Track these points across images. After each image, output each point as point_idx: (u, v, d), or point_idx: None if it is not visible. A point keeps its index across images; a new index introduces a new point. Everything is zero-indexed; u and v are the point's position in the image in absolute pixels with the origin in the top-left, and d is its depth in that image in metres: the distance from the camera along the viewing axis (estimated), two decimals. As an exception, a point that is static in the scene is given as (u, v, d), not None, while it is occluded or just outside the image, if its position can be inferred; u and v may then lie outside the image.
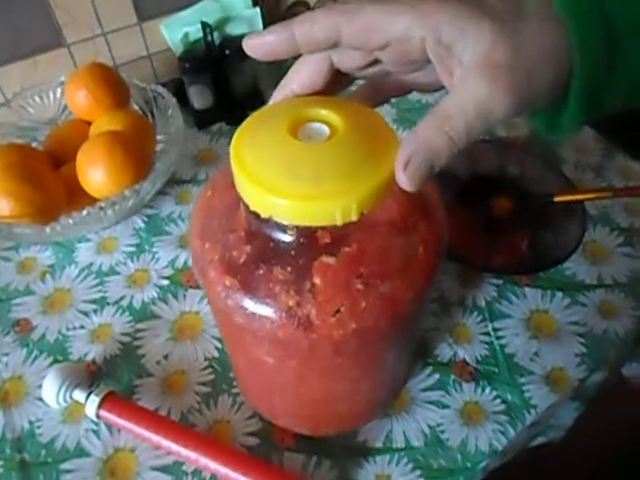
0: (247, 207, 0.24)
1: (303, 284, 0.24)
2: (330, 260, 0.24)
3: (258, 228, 0.25)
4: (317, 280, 0.24)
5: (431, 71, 0.25)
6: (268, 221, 0.24)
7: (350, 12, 0.24)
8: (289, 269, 0.25)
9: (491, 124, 0.23)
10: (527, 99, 0.22)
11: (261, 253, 0.25)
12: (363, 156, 0.24)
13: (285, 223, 0.24)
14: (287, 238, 0.25)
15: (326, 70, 0.27)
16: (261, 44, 0.26)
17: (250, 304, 0.25)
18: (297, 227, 0.24)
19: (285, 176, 0.23)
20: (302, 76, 0.27)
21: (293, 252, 0.25)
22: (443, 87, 0.27)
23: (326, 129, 0.25)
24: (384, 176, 0.23)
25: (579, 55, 0.22)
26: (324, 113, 0.25)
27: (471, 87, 0.22)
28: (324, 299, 0.24)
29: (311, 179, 0.23)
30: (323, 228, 0.24)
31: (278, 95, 0.28)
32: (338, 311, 0.24)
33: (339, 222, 0.23)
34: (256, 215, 0.24)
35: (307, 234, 0.24)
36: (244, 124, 0.26)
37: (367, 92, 0.31)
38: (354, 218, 0.23)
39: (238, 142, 0.25)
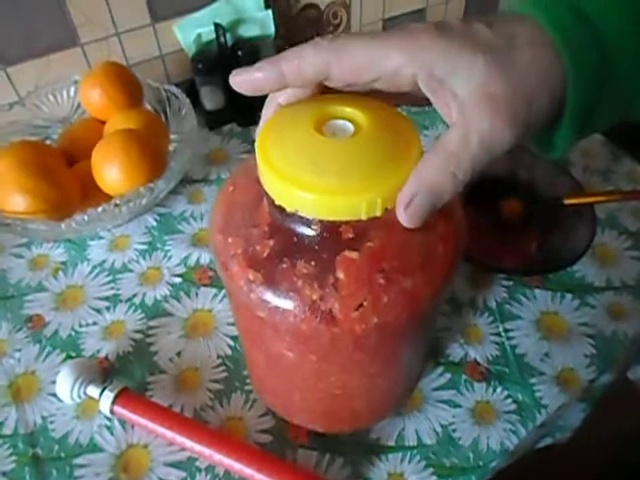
0: (272, 201, 0.25)
1: (326, 278, 0.25)
2: (353, 255, 0.25)
3: (282, 222, 0.25)
4: (340, 274, 0.25)
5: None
6: (293, 215, 0.24)
7: (339, 50, 0.23)
8: (312, 263, 0.25)
9: (495, 156, 0.23)
10: (528, 127, 0.23)
11: (284, 247, 0.25)
12: (386, 153, 0.24)
13: (310, 217, 0.24)
14: (311, 232, 0.25)
15: (312, 88, 0.27)
16: (248, 81, 0.25)
17: (273, 298, 0.25)
18: (321, 222, 0.24)
19: (310, 171, 0.23)
20: (288, 92, 0.27)
21: (317, 246, 0.25)
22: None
23: (350, 126, 0.25)
24: (407, 173, 0.24)
25: (572, 79, 0.22)
26: (349, 111, 0.26)
27: (473, 122, 0.22)
28: (347, 293, 0.25)
29: (336, 174, 0.23)
30: (347, 223, 0.24)
31: (266, 112, 0.28)
32: (361, 305, 0.25)
33: (364, 217, 0.23)
34: (281, 209, 0.24)
35: (331, 229, 0.25)
36: (270, 120, 0.27)
37: None
38: (379, 213, 0.24)
39: (263, 137, 0.25)
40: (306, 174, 0.23)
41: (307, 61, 0.24)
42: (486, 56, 0.22)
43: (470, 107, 0.22)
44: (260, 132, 0.26)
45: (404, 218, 0.24)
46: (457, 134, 0.23)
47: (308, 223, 0.25)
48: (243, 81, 0.25)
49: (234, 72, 0.26)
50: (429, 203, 0.23)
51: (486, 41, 0.22)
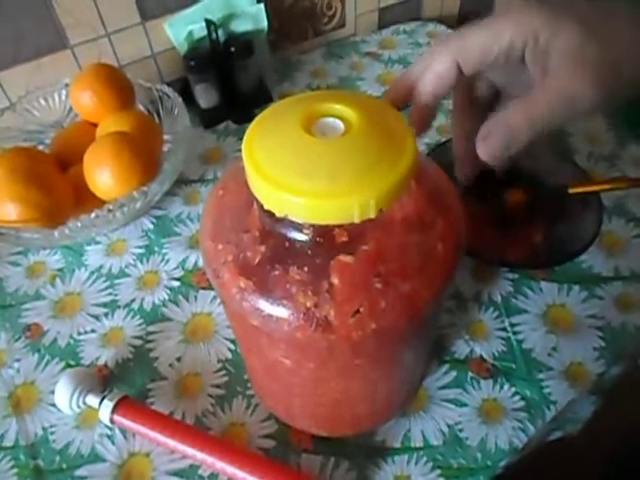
0: (261, 206, 0.24)
1: (320, 284, 0.24)
2: (348, 259, 0.24)
3: (273, 227, 0.25)
4: (335, 280, 0.24)
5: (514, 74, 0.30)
6: (283, 220, 0.23)
7: (459, 43, 0.27)
8: (306, 269, 0.24)
9: (575, 112, 0.25)
10: (614, 89, 0.25)
11: (276, 253, 0.25)
12: (379, 151, 0.23)
13: (301, 222, 0.23)
14: (303, 237, 0.24)
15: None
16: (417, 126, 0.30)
17: (266, 306, 0.24)
18: (313, 226, 0.23)
19: (300, 173, 0.22)
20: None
21: (309, 251, 0.24)
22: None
23: (341, 124, 0.24)
24: (401, 172, 0.23)
25: None
26: (338, 108, 0.25)
27: (559, 78, 0.25)
28: (342, 299, 0.24)
29: (327, 176, 0.22)
30: (340, 226, 0.23)
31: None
32: (357, 311, 0.24)
33: (357, 220, 0.22)
34: (271, 214, 0.23)
35: (323, 233, 0.24)
36: (256, 121, 0.25)
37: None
38: (372, 215, 0.23)
39: (250, 139, 0.25)
40: (295, 177, 0.22)
41: (441, 70, 0.28)
42: (581, 25, 0.25)
43: (560, 66, 0.25)
44: (246, 134, 0.25)
45: (481, 149, 0.27)
46: (542, 88, 0.26)
47: (299, 228, 0.24)
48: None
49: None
50: (503, 139, 0.26)
51: (582, 13, 0.26)
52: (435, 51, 0.28)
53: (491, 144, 0.26)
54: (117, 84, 0.53)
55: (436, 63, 0.28)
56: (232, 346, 0.44)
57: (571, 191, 0.46)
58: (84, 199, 0.48)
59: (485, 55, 0.27)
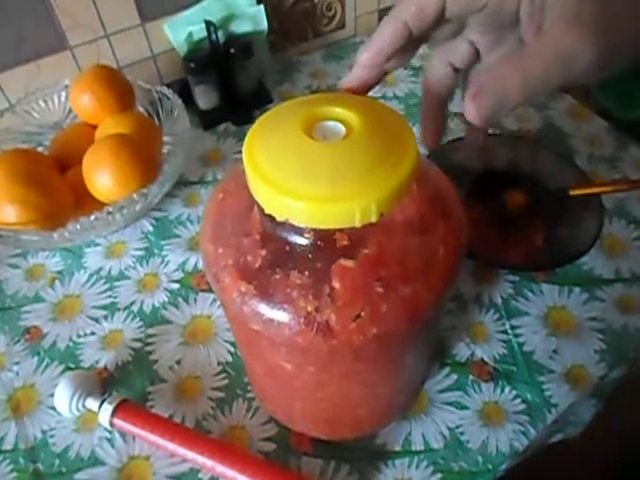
0: (262, 210, 0.24)
1: (322, 288, 0.24)
2: (349, 263, 0.24)
3: (273, 231, 0.24)
4: (336, 284, 0.24)
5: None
6: (284, 224, 0.23)
7: None
8: (307, 273, 0.24)
9: (571, 72, 0.23)
10: (610, 50, 0.23)
11: (277, 257, 0.24)
12: (380, 155, 0.23)
13: (302, 226, 0.23)
14: (304, 241, 0.24)
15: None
16: (378, 49, 0.27)
17: (267, 310, 0.24)
18: (314, 230, 0.23)
19: (301, 177, 0.22)
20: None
21: (310, 255, 0.24)
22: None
23: (342, 128, 0.24)
24: (403, 175, 0.23)
25: None
26: (339, 111, 0.25)
27: (554, 34, 0.23)
28: (344, 304, 0.23)
29: (328, 180, 0.22)
30: (341, 230, 0.23)
31: (384, 30, 0.27)
32: (359, 316, 0.23)
33: (358, 224, 0.22)
34: (271, 218, 0.23)
35: (325, 237, 0.23)
36: (257, 124, 0.25)
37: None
38: (373, 219, 0.22)
39: (251, 142, 0.24)
40: (296, 181, 0.22)
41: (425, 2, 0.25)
42: None
43: (557, 23, 0.24)
44: (247, 137, 0.25)
45: (471, 110, 0.24)
46: (536, 44, 0.24)
47: (300, 232, 0.23)
48: (374, 52, 0.27)
49: (360, 50, 0.27)
50: (495, 99, 0.24)
51: None
52: None
53: (482, 104, 0.24)
54: (117, 85, 0.53)
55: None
56: (232, 349, 0.44)
57: (572, 193, 0.46)
58: (83, 201, 0.47)
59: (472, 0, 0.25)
